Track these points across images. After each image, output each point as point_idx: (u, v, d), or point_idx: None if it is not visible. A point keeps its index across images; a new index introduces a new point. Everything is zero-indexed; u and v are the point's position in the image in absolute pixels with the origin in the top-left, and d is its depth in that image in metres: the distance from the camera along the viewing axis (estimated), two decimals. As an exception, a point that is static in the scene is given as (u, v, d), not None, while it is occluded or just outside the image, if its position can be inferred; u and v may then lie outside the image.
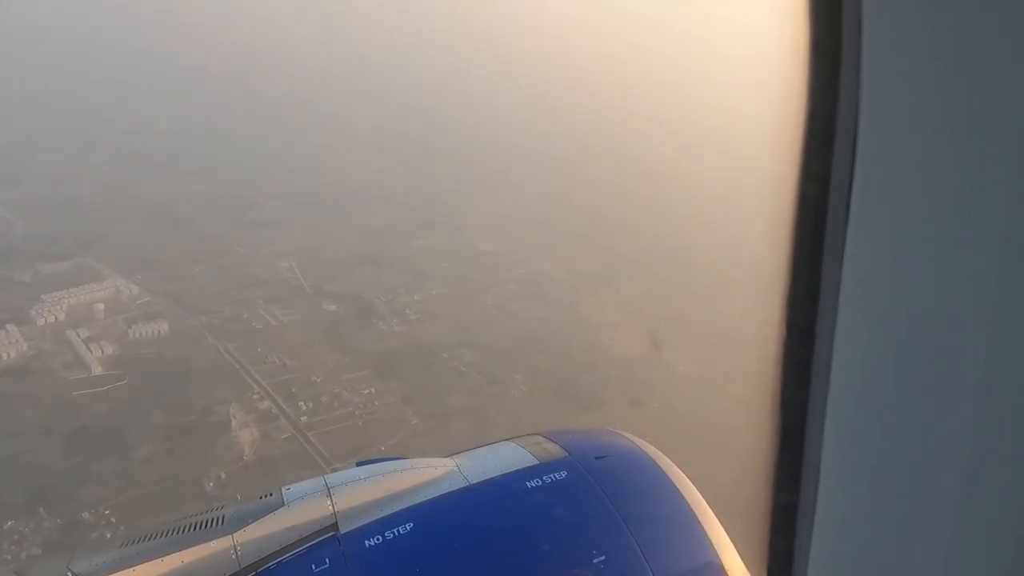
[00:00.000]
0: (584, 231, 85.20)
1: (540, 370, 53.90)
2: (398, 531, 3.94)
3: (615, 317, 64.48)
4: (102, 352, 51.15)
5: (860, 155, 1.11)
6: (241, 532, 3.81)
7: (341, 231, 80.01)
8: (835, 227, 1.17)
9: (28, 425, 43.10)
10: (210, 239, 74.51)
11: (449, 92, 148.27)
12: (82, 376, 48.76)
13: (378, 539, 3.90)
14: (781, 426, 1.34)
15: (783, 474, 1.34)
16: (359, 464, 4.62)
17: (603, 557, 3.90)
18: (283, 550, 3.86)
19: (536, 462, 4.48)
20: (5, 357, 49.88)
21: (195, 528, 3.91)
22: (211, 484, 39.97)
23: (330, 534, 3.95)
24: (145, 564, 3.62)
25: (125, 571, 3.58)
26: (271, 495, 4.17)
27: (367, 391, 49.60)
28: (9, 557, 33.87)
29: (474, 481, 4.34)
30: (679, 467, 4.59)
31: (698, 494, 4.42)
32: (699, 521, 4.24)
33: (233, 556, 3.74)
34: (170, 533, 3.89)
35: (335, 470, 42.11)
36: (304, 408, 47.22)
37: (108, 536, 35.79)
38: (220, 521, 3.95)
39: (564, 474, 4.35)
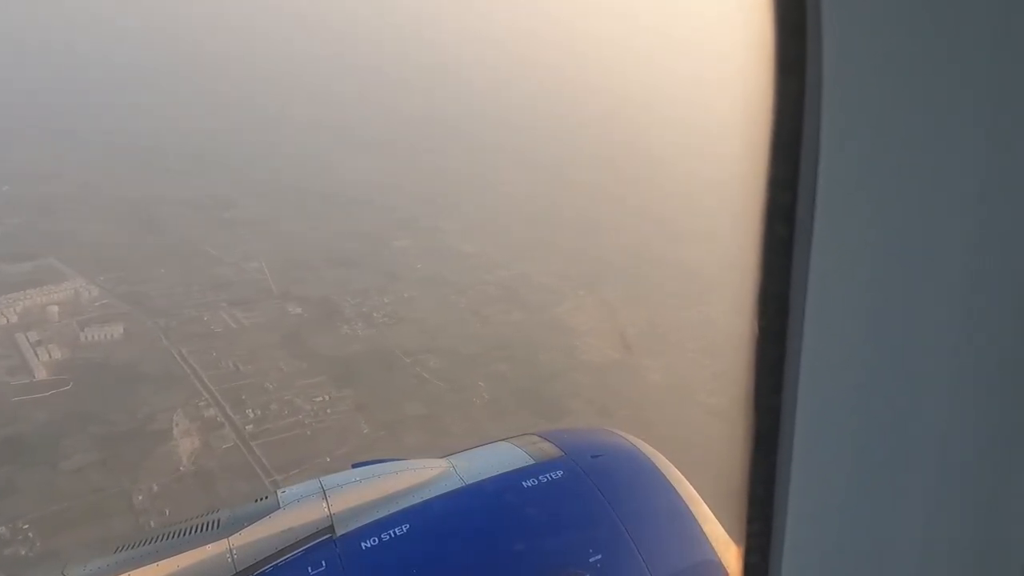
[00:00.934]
0: (571, 233, 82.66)
1: (506, 377, 51.37)
2: (394, 533, 3.93)
3: (593, 322, 61.85)
4: (49, 356, 49.25)
5: (824, 157, 1.13)
6: (237, 535, 3.82)
7: (319, 232, 78.00)
8: (803, 230, 1.18)
9: (-41, 433, 41.24)
10: (182, 240, 72.73)
11: (438, 94, 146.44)
12: (25, 381, 46.84)
13: (374, 541, 3.89)
14: (754, 427, 1.33)
15: (757, 475, 1.34)
16: (354, 466, 4.60)
17: (600, 556, 3.90)
18: (279, 553, 3.85)
19: (532, 462, 4.48)
20: (-51, 361, 48.18)
21: (190, 532, 3.91)
22: (140, 497, 37.78)
23: (326, 536, 3.94)
24: (140, 569, 3.61)
25: None
26: (266, 498, 4.19)
27: (320, 398, 47.30)
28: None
29: (470, 482, 4.34)
30: (677, 466, 4.57)
31: (695, 492, 4.43)
32: (696, 519, 4.24)
33: (229, 560, 3.74)
34: (165, 537, 3.88)
35: (274, 482, 39.74)
36: (252, 416, 44.98)
37: (23, 553, 33.95)
38: (216, 525, 3.96)
39: (560, 474, 4.36)
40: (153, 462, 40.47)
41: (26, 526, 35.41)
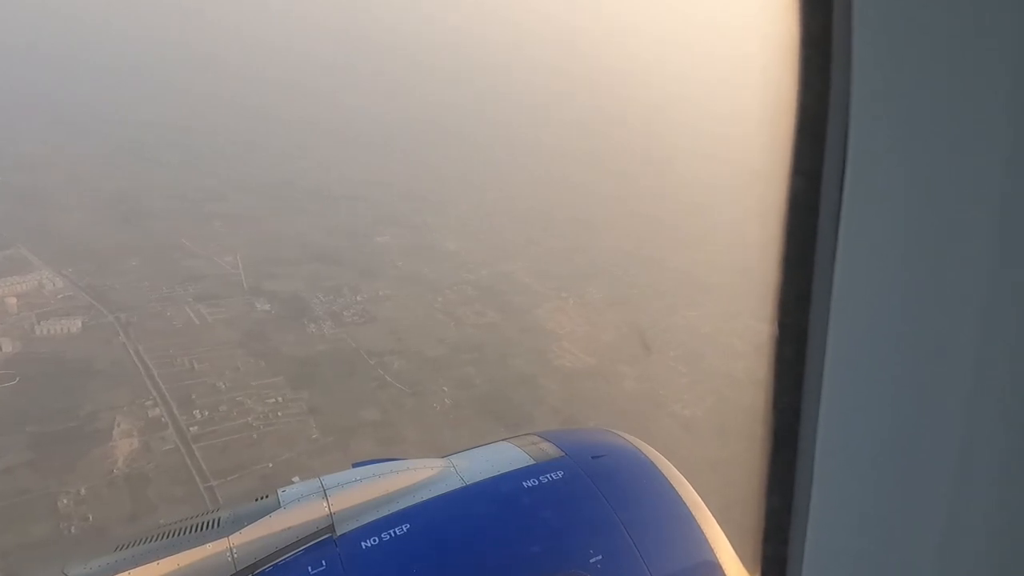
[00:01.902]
0: (559, 232, 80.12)
1: (471, 382, 48.94)
2: (394, 532, 3.88)
3: (572, 325, 59.28)
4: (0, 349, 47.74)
5: (851, 152, 1.09)
6: (237, 535, 3.80)
7: (301, 226, 76.13)
8: (827, 226, 1.15)
9: None
10: (159, 232, 71.14)
11: (432, 92, 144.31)
12: (-31, 375, 45.33)
13: (374, 540, 3.84)
14: (774, 428, 1.30)
15: (776, 477, 1.31)
16: (355, 466, 4.56)
17: (600, 556, 3.86)
18: (279, 552, 3.80)
19: (532, 462, 4.47)
20: None
21: (191, 531, 3.89)
22: (66, 501, 35.87)
23: (326, 536, 3.91)
24: (141, 568, 3.57)
25: (121, 575, 3.52)
26: (267, 497, 4.17)
27: (273, 400, 45.20)
28: None
29: (470, 482, 4.32)
30: (677, 467, 4.51)
31: (695, 493, 4.40)
32: (696, 520, 4.23)
33: (229, 559, 3.70)
34: (166, 536, 3.85)
35: (209, 487, 37.47)
36: (198, 417, 43.00)
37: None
38: (216, 524, 3.93)
39: (560, 474, 4.33)
40: (87, 463, 38.58)
41: (-60, 529, 33.63)
